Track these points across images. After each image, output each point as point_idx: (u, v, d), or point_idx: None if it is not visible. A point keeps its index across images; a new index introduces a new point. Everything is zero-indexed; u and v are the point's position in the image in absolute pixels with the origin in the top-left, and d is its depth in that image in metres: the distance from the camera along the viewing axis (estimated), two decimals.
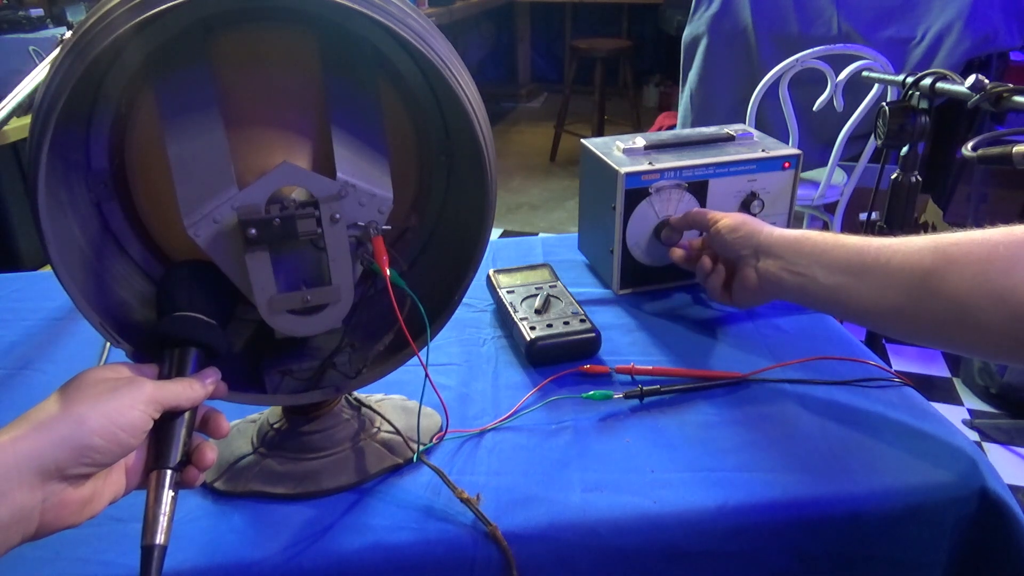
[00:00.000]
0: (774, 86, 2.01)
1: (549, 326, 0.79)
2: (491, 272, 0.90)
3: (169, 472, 0.45)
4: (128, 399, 0.43)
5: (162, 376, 0.49)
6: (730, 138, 0.94)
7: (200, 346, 0.50)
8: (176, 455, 0.46)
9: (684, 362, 0.78)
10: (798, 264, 0.69)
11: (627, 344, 0.81)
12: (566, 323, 0.79)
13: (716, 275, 0.80)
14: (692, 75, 2.48)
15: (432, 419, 0.68)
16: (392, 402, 0.70)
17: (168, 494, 0.45)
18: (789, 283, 0.70)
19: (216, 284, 0.53)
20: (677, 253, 0.86)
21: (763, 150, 0.90)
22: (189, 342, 0.50)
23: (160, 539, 0.43)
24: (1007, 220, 0.58)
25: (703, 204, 0.89)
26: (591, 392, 0.70)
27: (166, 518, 0.44)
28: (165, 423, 0.46)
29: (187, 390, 0.47)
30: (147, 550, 0.43)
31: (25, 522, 0.40)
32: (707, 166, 0.87)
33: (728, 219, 0.78)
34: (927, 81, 1.06)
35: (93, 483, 0.43)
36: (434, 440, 0.66)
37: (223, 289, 0.53)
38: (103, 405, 0.42)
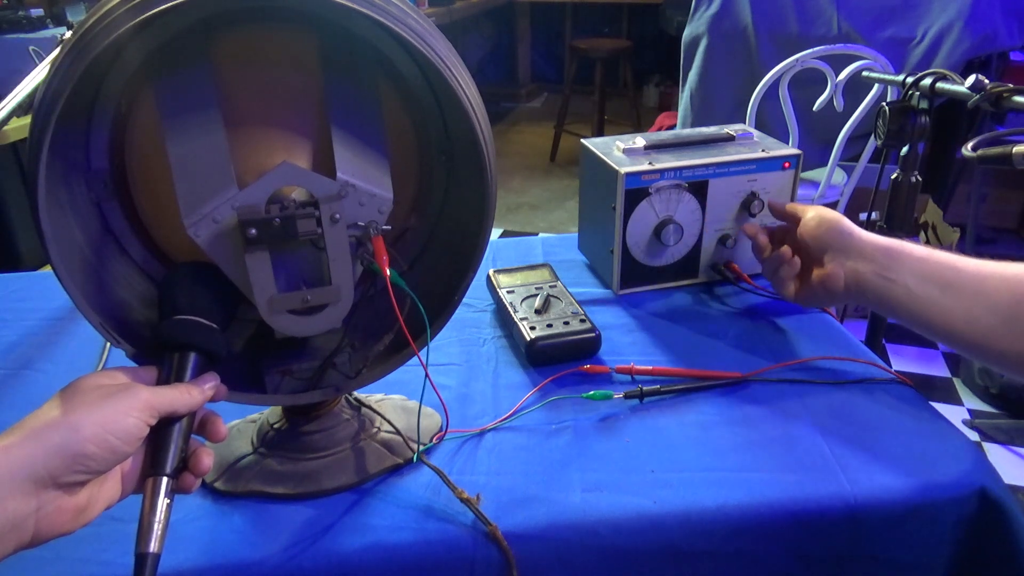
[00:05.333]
0: (774, 86, 2.01)
1: (549, 326, 0.79)
2: (491, 272, 0.90)
3: (165, 479, 0.45)
4: (123, 406, 0.43)
5: (161, 380, 0.48)
6: (730, 138, 0.94)
7: (200, 351, 0.50)
8: (172, 462, 0.46)
9: (684, 362, 0.78)
10: (891, 270, 0.67)
11: (627, 344, 0.81)
12: (566, 323, 0.79)
13: (791, 266, 0.78)
14: (692, 75, 2.48)
15: (432, 419, 0.68)
16: (392, 402, 0.70)
17: (163, 502, 0.45)
18: (876, 288, 0.68)
19: (218, 286, 0.53)
20: (752, 229, 0.85)
21: (763, 150, 0.90)
22: (189, 346, 0.50)
23: (153, 547, 0.43)
24: (1007, 220, 0.58)
25: (703, 204, 0.89)
26: (591, 392, 0.70)
27: (160, 526, 0.44)
28: (162, 429, 0.46)
29: (184, 396, 0.47)
30: (140, 558, 0.43)
31: (19, 530, 0.40)
32: (707, 166, 0.87)
33: (819, 212, 0.77)
34: (927, 81, 1.06)
35: (88, 490, 0.43)
36: (434, 440, 0.66)
37: (225, 291, 0.53)
38: (97, 413, 0.42)
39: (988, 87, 0.93)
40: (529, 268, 0.92)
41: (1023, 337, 0.58)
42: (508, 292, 0.86)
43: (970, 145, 0.87)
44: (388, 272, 0.54)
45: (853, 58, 1.90)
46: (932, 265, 0.65)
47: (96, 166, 0.54)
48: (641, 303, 0.90)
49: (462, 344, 0.82)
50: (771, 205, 0.85)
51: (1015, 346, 0.59)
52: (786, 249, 0.79)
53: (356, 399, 0.68)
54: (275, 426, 0.65)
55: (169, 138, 0.50)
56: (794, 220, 0.80)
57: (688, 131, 0.96)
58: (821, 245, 0.74)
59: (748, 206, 0.90)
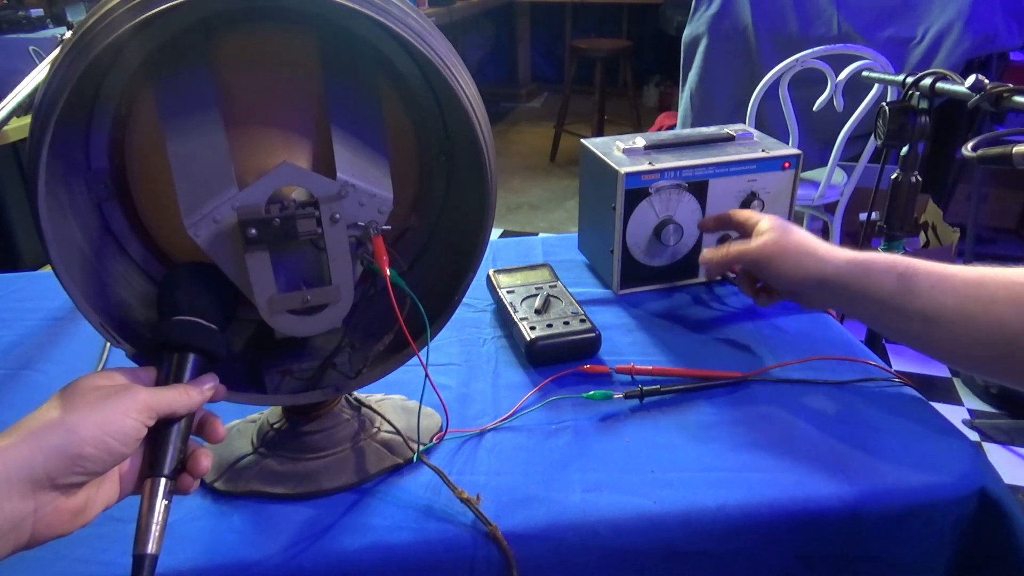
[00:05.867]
0: (774, 86, 2.01)
1: (549, 326, 0.79)
2: (491, 272, 0.90)
3: (163, 480, 0.45)
4: (121, 407, 0.43)
5: (160, 381, 0.48)
6: (730, 138, 0.94)
7: (199, 351, 0.50)
8: (170, 463, 0.46)
9: (684, 362, 0.78)
10: (865, 306, 0.65)
11: (627, 344, 0.81)
12: (566, 323, 0.79)
13: (764, 295, 0.77)
14: (692, 75, 2.48)
15: (432, 419, 0.68)
16: (392, 402, 0.70)
17: (161, 503, 0.45)
18: (853, 315, 0.68)
19: (218, 286, 0.53)
20: (705, 256, 0.81)
21: (763, 150, 0.90)
22: (188, 347, 0.50)
23: (151, 548, 0.43)
24: (1007, 220, 0.58)
25: (703, 204, 0.89)
26: (591, 392, 0.70)
27: (158, 527, 0.44)
28: (160, 430, 0.46)
29: (183, 397, 0.47)
30: (138, 559, 0.43)
31: (17, 531, 0.40)
32: (707, 166, 0.87)
33: (770, 239, 0.71)
34: (927, 81, 1.06)
35: (86, 491, 0.43)
36: (434, 440, 0.66)
37: (225, 291, 0.53)
38: (95, 414, 0.42)
39: (988, 87, 0.93)
40: (529, 268, 0.92)
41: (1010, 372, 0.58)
42: (508, 292, 0.86)
43: (970, 145, 0.86)
44: (388, 272, 0.54)
45: (853, 58, 1.90)
46: (907, 318, 0.62)
47: (96, 166, 0.54)
48: (641, 303, 0.90)
49: (462, 344, 0.82)
50: (713, 220, 0.84)
51: (1002, 377, 0.59)
52: (746, 283, 0.78)
53: (356, 399, 0.68)
54: (275, 426, 0.64)
55: (169, 138, 0.50)
56: (745, 230, 0.77)
57: (688, 131, 0.96)
58: (785, 285, 0.72)
59: (748, 206, 0.90)
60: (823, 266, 0.67)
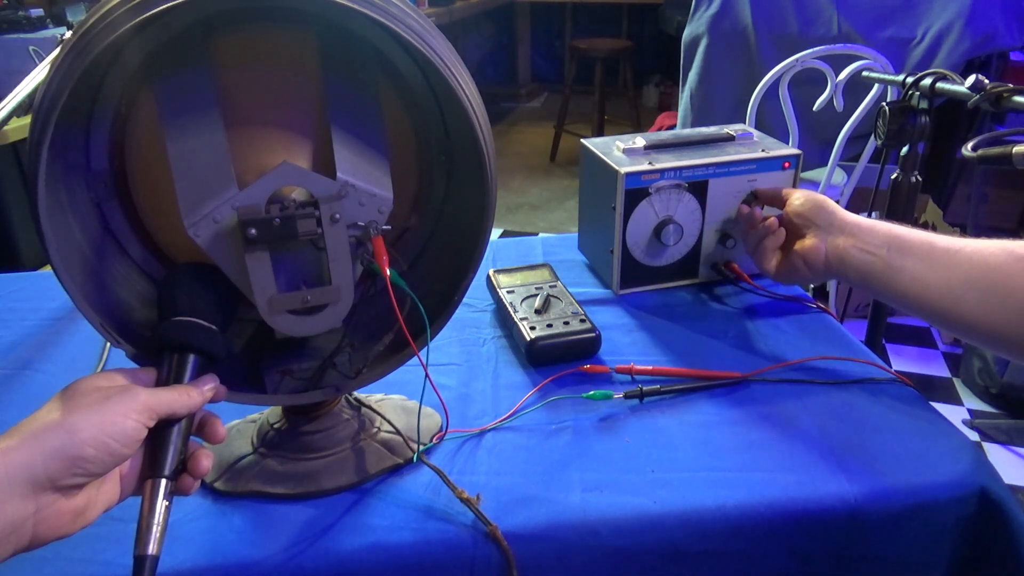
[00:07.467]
0: (774, 86, 2.01)
1: (549, 326, 0.79)
2: (491, 272, 0.90)
3: (164, 481, 0.45)
4: (121, 408, 0.43)
5: (160, 381, 0.48)
6: (730, 138, 0.94)
7: (199, 352, 0.50)
8: (171, 464, 0.46)
9: (684, 362, 0.78)
10: (871, 244, 0.69)
11: (627, 344, 0.81)
12: (566, 323, 0.79)
13: (776, 237, 0.80)
14: (692, 75, 2.47)
15: (432, 419, 0.68)
16: (392, 402, 0.70)
17: (162, 503, 0.45)
18: (856, 261, 0.70)
19: (218, 287, 0.53)
20: (744, 209, 0.87)
21: (763, 150, 0.90)
22: (188, 348, 0.50)
23: (152, 549, 0.43)
24: (1007, 220, 0.59)
25: (703, 204, 0.89)
26: (591, 392, 0.70)
27: (159, 528, 0.44)
28: (161, 430, 0.46)
29: (183, 397, 0.47)
30: (139, 560, 0.43)
31: (18, 533, 0.40)
32: (707, 166, 0.87)
33: (805, 192, 0.80)
34: (927, 81, 1.06)
35: (87, 493, 0.43)
36: (434, 440, 0.66)
37: (225, 292, 0.53)
38: (96, 415, 0.42)
39: (988, 87, 0.93)
40: (529, 268, 0.92)
41: (993, 308, 0.60)
42: (508, 292, 0.86)
43: (970, 145, 0.86)
44: (388, 272, 0.54)
45: (853, 58, 1.89)
46: (911, 240, 0.67)
47: (96, 167, 0.54)
48: (641, 303, 0.90)
49: (462, 344, 0.82)
50: (759, 192, 0.88)
51: (985, 317, 0.60)
52: (772, 220, 0.81)
53: (356, 399, 0.68)
54: (275, 426, 0.65)
55: (169, 138, 0.50)
56: (781, 203, 0.82)
57: (688, 131, 0.96)
58: (805, 222, 0.77)
59: (748, 206, 0.90)
60: (856, 217, 0.73)
